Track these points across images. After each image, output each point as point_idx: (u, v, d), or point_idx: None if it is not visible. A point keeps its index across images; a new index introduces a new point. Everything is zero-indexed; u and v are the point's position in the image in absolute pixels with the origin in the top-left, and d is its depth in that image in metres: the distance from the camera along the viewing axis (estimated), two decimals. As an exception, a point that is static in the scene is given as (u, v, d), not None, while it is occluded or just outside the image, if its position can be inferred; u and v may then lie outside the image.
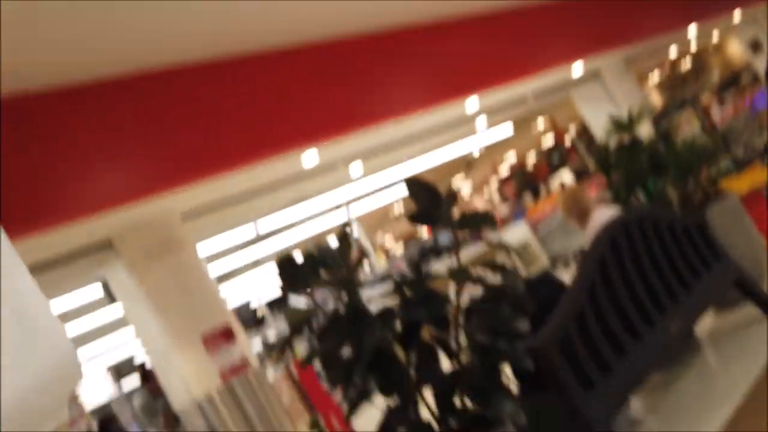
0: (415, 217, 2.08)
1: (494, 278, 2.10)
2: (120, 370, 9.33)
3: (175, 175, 4.32)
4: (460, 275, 1.96)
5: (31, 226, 3.98)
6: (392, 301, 2.03)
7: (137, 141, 4.24)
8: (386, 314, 1.98)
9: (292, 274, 2.07)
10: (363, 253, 2.16)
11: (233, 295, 11.04)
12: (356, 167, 6.41)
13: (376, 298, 2.16)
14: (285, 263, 2.06)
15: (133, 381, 8.83)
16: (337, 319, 1.98)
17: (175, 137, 4.36)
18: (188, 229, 4.93)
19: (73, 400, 10.49)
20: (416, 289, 2.02)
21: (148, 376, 5.50)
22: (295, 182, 5.66)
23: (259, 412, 4.52)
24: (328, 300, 2.05)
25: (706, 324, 3.47)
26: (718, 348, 3.19)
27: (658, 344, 2.58)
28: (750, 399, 2.45)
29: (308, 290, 2.05)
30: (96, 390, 13.42)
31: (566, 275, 2.40)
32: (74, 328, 7.10)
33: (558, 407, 2.25)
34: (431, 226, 2.13)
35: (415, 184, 2.08)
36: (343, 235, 2.01)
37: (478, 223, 2.11)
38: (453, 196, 2.09)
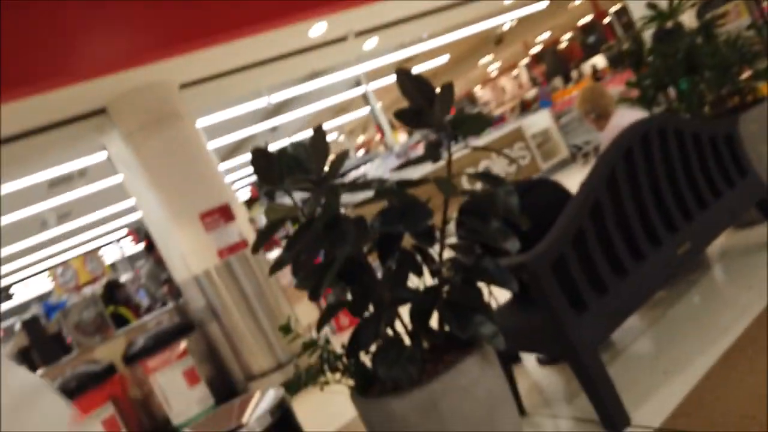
0: (401, 116, 1.84)
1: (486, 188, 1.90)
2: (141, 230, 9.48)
3: (170, 43, 4.03)
4: (446, 186, 1.76)
5: (27, 89, 3.84)
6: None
7: (131, 6, 3.93)
8: (362, 223, 1.81)
9: (266, 168, 1.88)
10: (343, 154, 1.93)
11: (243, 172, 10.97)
12: (371, 42, 5.99)
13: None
14: (259, 156, 1.87)
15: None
16: (309, 223, 1.82)
17: (171, 3, 4.03)
18: (187, 103, 4.70)
19: (96, 258, 10.80)
20: (397, 198, 1.83)
21: (152, 246, 5.53)
22: (304, 54, 5.31)
23: (256, 290, 4.55)
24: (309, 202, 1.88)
25: (718, 241, 3.28)
26: (728, 268, 3.02)
27: (662, 266, 2.41)
28: (754, 326, 2.31)
29: (288, 188, 1.88)
30: (116, 249, 13.86)
31: (584, 172, 2.19)
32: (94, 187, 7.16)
33: (547, 325, 2.14)
34: (418, 127, 1.89)
35: (406, 77, 1.82)
36: (318, 134, 1.80)
37: (472, 127, 1.87)
38: (449, 93, 1.84)
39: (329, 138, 2.64)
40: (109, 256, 13.34)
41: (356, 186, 1.83)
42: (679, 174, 2.60)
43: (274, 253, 5.86)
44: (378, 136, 13.42)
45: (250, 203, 9.36)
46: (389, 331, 1.85)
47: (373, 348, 1.84)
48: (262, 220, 7.28)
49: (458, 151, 2.03)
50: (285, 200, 1.98)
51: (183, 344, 4.45)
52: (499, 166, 7.99)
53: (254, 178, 1.80)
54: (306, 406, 2.67)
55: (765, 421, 1.76)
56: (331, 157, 1.85)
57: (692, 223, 2.57)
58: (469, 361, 1.78)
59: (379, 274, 1.85)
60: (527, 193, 2.68)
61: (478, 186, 1.94)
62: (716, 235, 2.70)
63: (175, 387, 4.37)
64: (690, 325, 2.54)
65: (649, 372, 2.31)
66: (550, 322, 2.11)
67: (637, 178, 2.43)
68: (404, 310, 1.83)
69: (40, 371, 4.51)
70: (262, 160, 1.87)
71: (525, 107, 12.60)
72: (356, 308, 1.82)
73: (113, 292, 5.75)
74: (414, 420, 1.73)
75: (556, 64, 17.48)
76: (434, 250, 1.89)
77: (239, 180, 11.40)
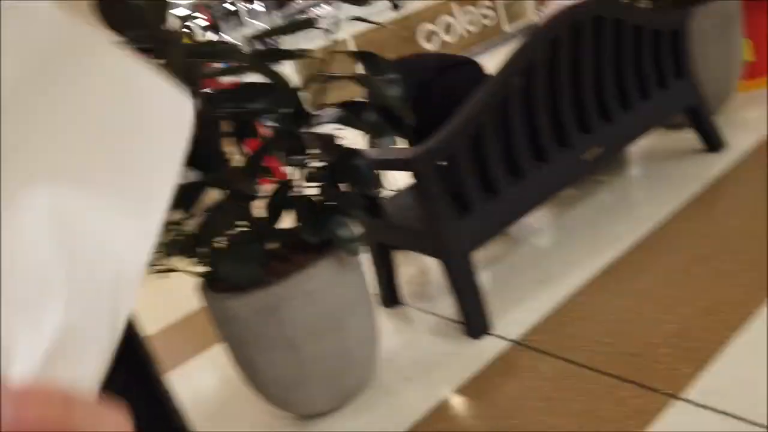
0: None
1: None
2: None
3: None
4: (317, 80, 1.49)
5: None
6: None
7: None
8: (213, 99, 1.55)
9: (116, 21, 1.56)
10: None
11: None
12: None
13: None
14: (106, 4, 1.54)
15: None
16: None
17: None
18: None
19: None
20: (257, 71, 1.56)
21: None
22: None
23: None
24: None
25: (643, 140, 3.13)
26: (643, 174, 2.89)
27: (566, 170, 2.25)
28: (642, 243, 2.23)
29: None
30: None
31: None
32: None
33: (424, 224, 2.00)
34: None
35: None
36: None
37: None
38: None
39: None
40: None
41: (205, 52, 1.54)
42: (607, 70, 2.35)
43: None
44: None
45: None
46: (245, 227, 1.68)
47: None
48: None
49: None
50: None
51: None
52: (461, 24, 7.48)
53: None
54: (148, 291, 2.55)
55: (619, 349, 1.73)
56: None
57: (610, 125, 2.38)
58: (321, 265, 1.64)
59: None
60: (446, 72, 2.42)
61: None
62: (634, 139, 2.53)
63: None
64: (582, 232, 2.45)
65: (527, 278, 2.25)
66: (426, 221, 1.97)
67: (558, 72, 2.18)
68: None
69: None
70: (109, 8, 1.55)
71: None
72: (185, 200, 1.59)
73: None
74: (253, 322, 1.62)
75: None
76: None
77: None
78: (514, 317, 2.03)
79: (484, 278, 2.36)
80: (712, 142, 2.74)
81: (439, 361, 1.96)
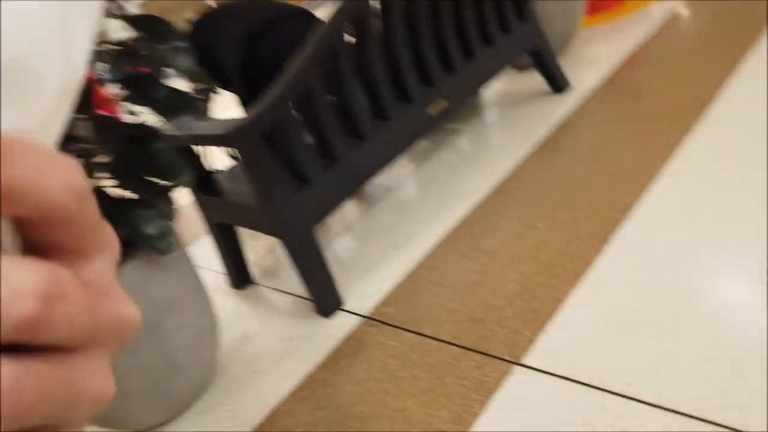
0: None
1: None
2: None
3: None
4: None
5: None
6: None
7: None
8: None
9: None
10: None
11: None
12: None
13: None
14: None
15: None
16: None
17: None
18: None
19: None
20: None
21: None
22: None
23: None
24: None
25: (494, 84, 3.09)
26: (495, 119, 2.86)
27: (411, 127, 2.14)
28: (492, 195, 2.20)
29: None
30: None
31: None
32: None
33: (257, 202, 1.82)
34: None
35: None
36: None
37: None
38: None
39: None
40: None
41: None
42: (447, 20, 2.23)
43: None
44: None
45: None
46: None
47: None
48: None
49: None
50: None
51: None
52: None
53: None
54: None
55: (465, 316, 1.67)
56: None
57: (453, 76, 2.29)
58: (127, 268, 1.43)
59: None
60: (279, 24, 2.20)
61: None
62: (479, 88, 2.46)
63: None
64: (436, 187, 2.38)
65: (380, 244, 2.15)
66: (258, 199, 1.80)
67: (393, 24, 2.03)
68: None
69: None
70: None
71: None
72: None
73: None
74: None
75: None
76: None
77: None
78: (367, 289, 1.94)
79: (336, 247, 2.24)
80: (557, 84, 2.74)
81: (290, 346, 1.84)
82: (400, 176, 2.56)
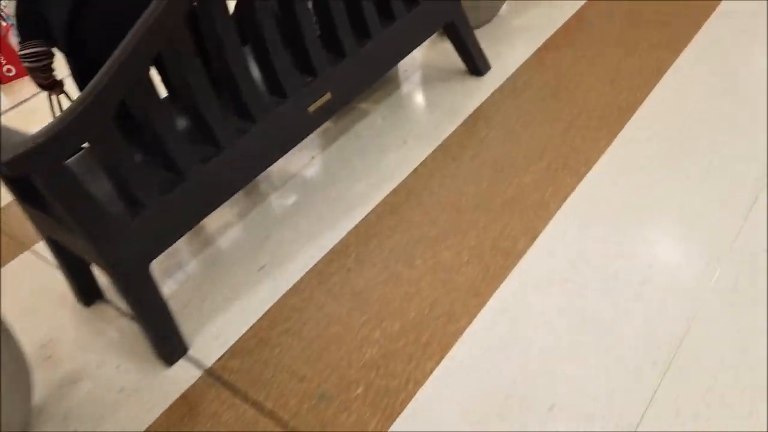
0: None
1: None
2: None
3: None
4: None
5: None
6: None
7: None
8: None
9: None
10: None
11: None
12: None
13: None
14: None
15: None
16: None
17: None
18: None
19: None
20: None
21: None
22: None
23: None
24: None
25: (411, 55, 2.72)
26: (409, 98, 2.50)
27: (284, 129, 1.80)
28: (380, 207, 1.91)
29: None
30: None
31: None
32: None
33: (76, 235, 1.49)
34: None
35: None
36: None
37: None
38: None
39: None
40: None
41: None
42: (333, -6, 1.83)
43: None
44: None
45: None
46: None
47: None
48: None
49: None
50: None
51: None
52: None
53: None
54: None
55: (313, 384, 1.43)
56: None
57: (342, 63, 1.92)
58: None
59: None
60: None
61: None
62: (378, 76, 2.10)
63: None
64: (321, 195, 2.06)
65: (248, 263, 1.86)
66: (77, 230, 1.46)
67: None
68: None
69: None
70: None
71: None
72: None
73: None
74: None
75: None
76: None
77: None
78: (221, 328, 1.66)
79: (193, 267, 1.92)
80: (476, 67, 2.40)
81: (118, 400, 1.57)
82: (281, 177, 2.23)
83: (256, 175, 1.76)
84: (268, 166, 1.78)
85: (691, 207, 1.60)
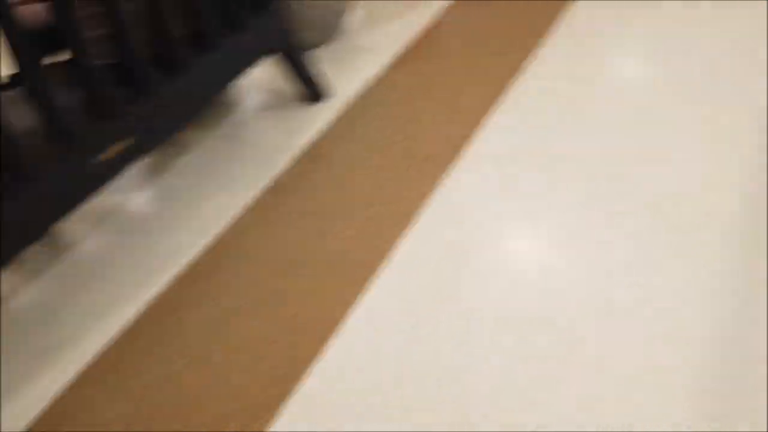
0: None
1: None
2: None
3: None
4: None
5: None
6: None
7: None
8: None
9: None
10: None
11: None
12: None
13: None
14: None
15: None
16: None
17: None
18: None
19: None
20: None
21: None
22: None
23: None
24: None
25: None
26: (237, 127, 2.28)
27: (70, 183, 1.54)
28: (200, 262, 1.71)
29: None
30: None
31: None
32: None
33: None
34: None
35: None
36: None
37: None
38: None
39: None
40: None
41: None
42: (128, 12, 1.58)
43: None
44: None
45: None
46: None
47: None
48: None
49: None
50: None
51: None
52: None
53: None
54: None
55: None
56: None
57: (144, 102, 1.69)
58: None
59: None
60: None
61: None
62: (189, 117, 1.87)
63: None
64: (130, 250, 1.81)
65: (28, 344, 1.59)
66: None
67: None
68: None
69: None
70: None
71: None
72: None
73: None
74: None
75: None
76: None
77: None
78: (38, 389, 1.41)
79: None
80: (313, 92, 2.23)
81: None
82: (79, 228, 1.94)
83: (36, 239, 1.50)
84: (52, 225, 1.52)
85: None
